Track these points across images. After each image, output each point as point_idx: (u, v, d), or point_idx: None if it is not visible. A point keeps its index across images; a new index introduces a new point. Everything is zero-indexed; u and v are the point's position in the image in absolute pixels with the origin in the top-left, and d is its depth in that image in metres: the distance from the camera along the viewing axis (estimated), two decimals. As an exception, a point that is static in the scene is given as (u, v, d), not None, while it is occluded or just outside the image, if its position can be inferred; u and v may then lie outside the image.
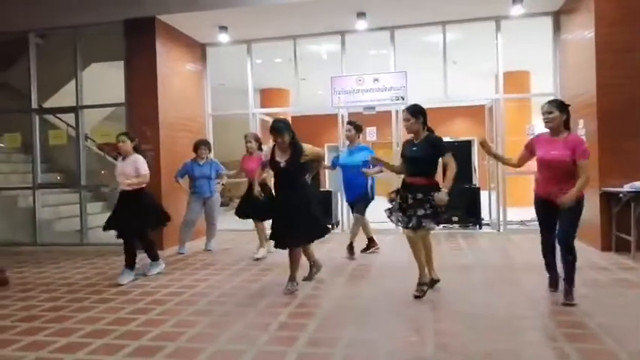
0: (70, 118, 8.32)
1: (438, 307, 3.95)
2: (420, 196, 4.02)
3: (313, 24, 7.91)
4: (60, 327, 3.72)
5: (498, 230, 7.94)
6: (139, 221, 5.21)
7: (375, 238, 6.33)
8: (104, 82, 8.36)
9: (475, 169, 8.75)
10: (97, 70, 8.72)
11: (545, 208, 3.94)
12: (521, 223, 8.17)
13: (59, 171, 8.95)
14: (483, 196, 8.46)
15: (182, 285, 4.94)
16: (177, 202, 7.12)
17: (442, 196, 3.93)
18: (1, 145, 8.49)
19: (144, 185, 5.26)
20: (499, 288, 4.48)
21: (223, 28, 7.88)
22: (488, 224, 8.40)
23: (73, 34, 7.62)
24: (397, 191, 4.26)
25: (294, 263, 4.56)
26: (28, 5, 7.46)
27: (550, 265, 4.20)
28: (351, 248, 6.00)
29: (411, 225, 4.05)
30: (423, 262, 4.20)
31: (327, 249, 6.50)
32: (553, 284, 4.19)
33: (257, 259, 6.05)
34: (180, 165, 6.88)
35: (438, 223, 4.16)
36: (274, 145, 4.55)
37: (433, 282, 4.36)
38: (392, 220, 4.26)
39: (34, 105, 7.90)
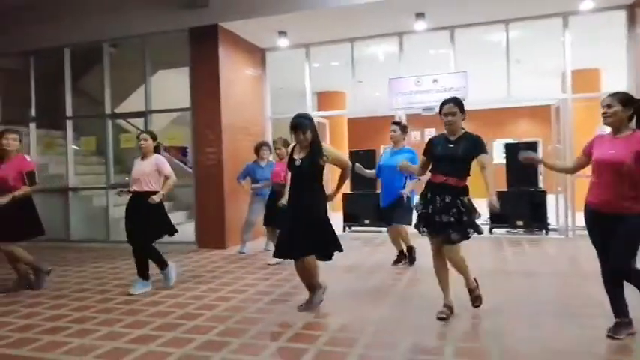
0: (139, 122, 8.81)
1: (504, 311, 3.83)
2: (448, 199, 3.59)
3: (371, 26, 7.91)
4: (133, 319, 3.95)
5: (566, 236, 7.58)
6: (152, 228, 4.81)
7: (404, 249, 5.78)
8: (170, 87, 8.78)
9: (541, 172, 8.39)
10: (163, 77, 9.17)
11: (599, 223, 3.22)
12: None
13: (129, 172, 9.46)
14: (550, 200, 8.10)
15: (244, 284, 5.09)
16: (238, 203, 7.34)
17: (495, 202, 3.43)
18: (77, 147, 9.09)
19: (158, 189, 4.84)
20: (564, 296, 4.29)
21: (283, 33, 8.06)
22: (555, 229, 8.04)
23: (142, 42, 8.06)
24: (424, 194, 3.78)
25: (303, 277, 4.06)
26: (102, 17, 7.97)
27: (614, 297, 3.27)
28: (402, 254, 5.72)
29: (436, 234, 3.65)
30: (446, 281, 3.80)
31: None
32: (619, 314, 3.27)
33: (270, 265, 5.92)
34: (241, 167, 7.09)
35: (464, 236, 3.60)
36: (294, 145, 4.06)
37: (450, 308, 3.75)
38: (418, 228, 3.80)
39: (108, 111, 8.42)
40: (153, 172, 4.81)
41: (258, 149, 6.98)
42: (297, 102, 9.15)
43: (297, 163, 3.92)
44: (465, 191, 3.64)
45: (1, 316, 4.15)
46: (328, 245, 3.96)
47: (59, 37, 8.34)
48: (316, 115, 9.25)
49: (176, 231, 5.04)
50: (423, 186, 3.87)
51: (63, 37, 8.34)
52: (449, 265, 3.76)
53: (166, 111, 8.54)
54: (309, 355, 3.11)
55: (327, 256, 4.01)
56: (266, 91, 9.07)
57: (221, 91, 7.53)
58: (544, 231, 7.87)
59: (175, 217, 8.97)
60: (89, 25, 8.09)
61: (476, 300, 3.82)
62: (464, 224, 3.57)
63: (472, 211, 3.60)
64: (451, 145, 3.68)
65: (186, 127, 8.09)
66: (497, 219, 7.97)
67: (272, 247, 6.95)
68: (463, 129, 3.77)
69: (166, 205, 9.08)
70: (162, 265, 4.94)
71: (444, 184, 3.62)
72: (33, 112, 8.81)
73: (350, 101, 11.94)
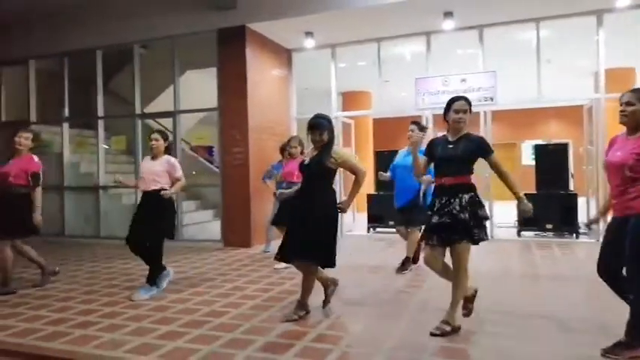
0: (167, 122, 8.96)
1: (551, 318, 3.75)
2: (446, 199, 3.39)
3: (398, 26, 7.86)
4: (161, 315, 4.02)
5: (597, 240, 7.35)
6: (160, 229, 4.73)
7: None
8: (198, 88, 8.91)
9: (572, 174, 8.18)
10: (191, 77, 9.31)
11: (616, 230, 3.06)
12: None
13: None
14: (581, 203, 7.89)
15: (269, 282, 5.13)
16: (263, 202, 7.40)
17: (527, 206, 3.32)
18: (107, 147, 9.31)
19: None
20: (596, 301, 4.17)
21: (309, 34, 8.08)
22: (585, 233, 7.82)
23: (171, 43, 8.20)
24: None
25: (304, 288, 3.91)
26: (133, 19, 8.15)
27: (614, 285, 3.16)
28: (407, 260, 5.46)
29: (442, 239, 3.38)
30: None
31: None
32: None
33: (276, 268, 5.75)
34: (267, 167, 7.14)
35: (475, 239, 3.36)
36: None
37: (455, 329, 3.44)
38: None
39: (138, 110, 8.60)
40: (163, 173, 4.75)
41: (282, 149, 7.01)
42: (323, 102, 9.15)
43: (306, 162, 3.87)
44: (468, 188, 3.40)
45: (35, 309, 4.29)
46: (323, 253, 3.74)
47: (92, 39, 8.57)
48: (342, 116, 9.27)
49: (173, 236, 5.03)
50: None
51: (95, 39, 8.56)
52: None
53: (194, 111, 8.66)
54: (333, 355, 3.11)
55: (328, 263, 3.79)
56: (292, 92, 9.11)
57: (248, 92, 7.60)
58: (574, 235, 7.68)
59: (202, 216, 9.13)
60: (121, 28, 8.28)
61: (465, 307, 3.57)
62: (469, 225, 3.31)
63: (480, 207, 3.38)
64: (450, 146, 3.47)
65: (213, 126, 8.20)
66: (526, 222, 7.83)
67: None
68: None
69: (193, 203, 9.33)
70: (160, 269, 4.78)
71: (442, 185, 3.44)
72: (66, 112, 9.06)
73: (375, 101, 11.89)
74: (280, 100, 8.79)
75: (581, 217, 7.85)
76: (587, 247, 7.01)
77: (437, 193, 3.50)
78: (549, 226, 7.75)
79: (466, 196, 3.36)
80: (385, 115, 13.12)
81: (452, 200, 3.36)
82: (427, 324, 3.56)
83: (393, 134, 15.03)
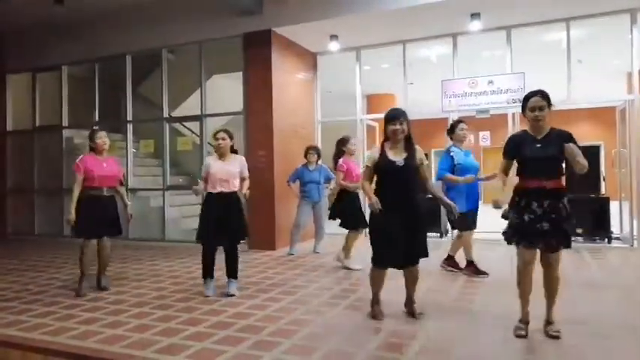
0: (194, 125, 9.09)
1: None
2: (546, 203, 3.28)
3: (424, 28, 7.80)
4: (188, 317, 4.07)
5: (631, 245, 7.14)
6: (242, 228, 4.76)
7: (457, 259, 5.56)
8: (223, 92, 9.01)
9: (603, 177, 7.95)
10: (217, 82, 9.44)
11: None
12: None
13: (185, 174, 9.80)
14: (613, 207, 7.66)
15: (294, 285, 5.14)
16: (288, 205, 7.43)
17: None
18: (135, 150, 9.50)
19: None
20: (627, 310, 4.04)
21: (334, 37, 8.09)
22: (618, 238, 7.60)
23: (198, 48, 8.32)
24: (517, 202, 3.40)
25: (414, 284, 3.92)
26: (162, 25, 8.30)
27: None
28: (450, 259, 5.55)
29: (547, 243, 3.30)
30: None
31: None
32: None
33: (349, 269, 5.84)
34: (292, 170, 7.17)
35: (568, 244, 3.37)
36: (383, 141, 3.89)
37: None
38: (516, 242, 3.40)
39: (165, 114, 8.76)
40: (238, 173, 4.69)
41: (306, 153, 7.05)
42: (347, 105, 9.15)
43: (401, 163, 3.71)
44: (565, 193, 3.35)
45: (67, 309, 4.40)
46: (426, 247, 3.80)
47: (122, 45, 8.78)
48: (366, 119, 9.24)
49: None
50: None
51: (125, 45, 8.77)
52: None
53: (221, 115, 8.75)
54: (358, 358, 3.09)
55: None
56: (317, 95, 9.13)
57: (273, 95, 7.66)
58: (606, 239, 7.45)
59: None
60: (149, 33, 8.45)
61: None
62: (564, 230, 3.29)
63: (571, 216, 3.33)
64: (539, 145, 3.34)
65: (238, 130, 8.26)
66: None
67: (321, 249, 7.02)
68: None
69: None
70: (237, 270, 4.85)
71: (539, 188, 3.30)
72: (96, 116, 9.29)
73: (400, 104, 11.79)
74: (305, 103, 8.82)
75: (614, 222, 7.63)
76: (619, 253, 6.80)
77: (525, 195, 3.36)
78: (579, 231, 7.53)
79: (565, 201, 3.33)
80: (410, 117, 12.96)
81: (544, 204, 3.28)
82: (463, 331, 3.49)
83: (419, 136, 14.86)
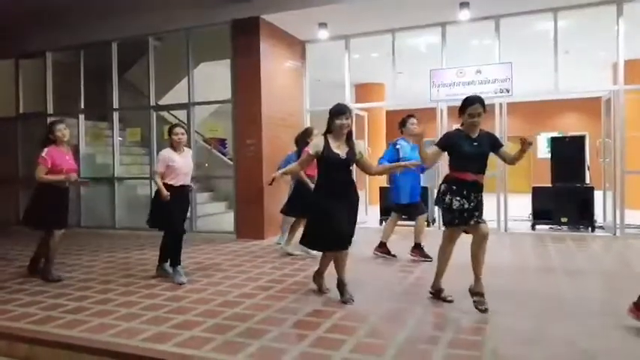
0: (181, 114, 9.01)
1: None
2: (479, 196, 3.78)
3: (413, 17, 7.78)
4: (177, 305, 4.07)
5: (614, 234, 7.27)
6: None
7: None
8: (211, 80, 8.93)
9: (588, 167, 8.06)
10: (205, 69, 9.34)
11: None
12: (642, 226, 7.41)
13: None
14: (597, 196, 7.79)
15: (283, 274, 5.16)
16: (278, 193, 7.42)
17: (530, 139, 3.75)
18: (121, 138, 9.39)
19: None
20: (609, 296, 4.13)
21: (323, 25, 8.04)
22: (602, 227, 7.74)
23: (185, 35, 8.21)
24: (452, 191, 3.76)
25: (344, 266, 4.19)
26: (148, 11, 8.16)
27: None
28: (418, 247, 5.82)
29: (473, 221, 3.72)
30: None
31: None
32: None
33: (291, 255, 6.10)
34: (281, 158, 7.15)
35: None
36: (325, 133, 4.02)
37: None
38: (457, 223, 3.76)
39: (152, 102, 8.65)
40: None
41: (297, 140, 7.01)
42: (336, 94, 9.12)
43: (343, 156, 3.95)
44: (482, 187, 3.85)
45: (54, 298, 4.37)
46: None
47: (107, 32, 8.63)
48: (355, 108, 9.23)
49: None
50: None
51: (111, 32, 8.62)
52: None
53: (208, 103, 8.70)
54: (347, 345, 3.12)
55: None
56: (305, 83, 9.09)
57: (262, 83, 7.61)
58: (590, 228, 7.58)
59: (215, 208, 9.20)
60: (136, 20, 8.31)
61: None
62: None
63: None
64: (475, 144, 3.76)
65: (227, 118, 8.22)
66: (540, 215, 7.79)
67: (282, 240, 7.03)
68: None
69: (206, 195, 9.39)
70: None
71: (475, 182, 3.75)
72: (82, 104, 9.16)
73: (389, 93, 11.82)
74: (294, 91, 8.77)
75: (598, 211, 7.76)
76: (603, 241, 6.93)
77: (460, 187, 3.74)
78: (564, 220, 7.66)
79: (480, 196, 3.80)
80: (399, 107, 12.99)
81: (479, 197, 3.77)
82: (440, 316, 3.55)
83: (407, 126, 14.96)
